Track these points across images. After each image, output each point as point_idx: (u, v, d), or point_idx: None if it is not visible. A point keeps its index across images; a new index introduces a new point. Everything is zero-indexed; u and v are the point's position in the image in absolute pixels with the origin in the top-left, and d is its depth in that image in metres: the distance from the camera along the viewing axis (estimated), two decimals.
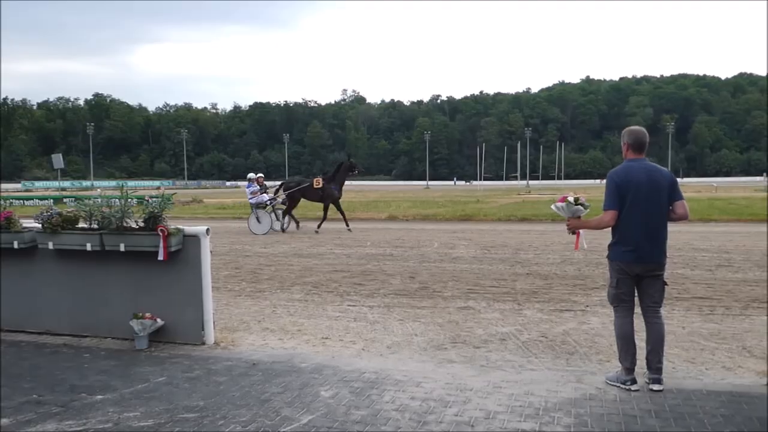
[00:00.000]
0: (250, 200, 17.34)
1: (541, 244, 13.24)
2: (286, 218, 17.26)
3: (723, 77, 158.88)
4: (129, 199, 5.57)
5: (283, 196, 17.39)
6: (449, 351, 5.27)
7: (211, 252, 5.46)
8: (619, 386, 4.17)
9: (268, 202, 17.22)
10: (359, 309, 7.03)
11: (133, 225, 5.46)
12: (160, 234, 5.16)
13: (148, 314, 5.31)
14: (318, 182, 17.01)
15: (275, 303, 7.43)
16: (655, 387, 4.13)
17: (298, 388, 4.25)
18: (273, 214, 16.84)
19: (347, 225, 16.98)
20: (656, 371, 4.17)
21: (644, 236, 4.13)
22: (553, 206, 4.54)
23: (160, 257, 5.18)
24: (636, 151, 4.26)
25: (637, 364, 4.22)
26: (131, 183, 78.88)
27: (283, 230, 16.87)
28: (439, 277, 9.20)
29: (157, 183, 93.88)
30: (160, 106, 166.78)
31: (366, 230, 17.20)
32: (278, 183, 19.16)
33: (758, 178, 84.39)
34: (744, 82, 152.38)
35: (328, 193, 17.06)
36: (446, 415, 3.73)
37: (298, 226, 17.43)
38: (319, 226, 16.99)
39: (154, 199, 5.70)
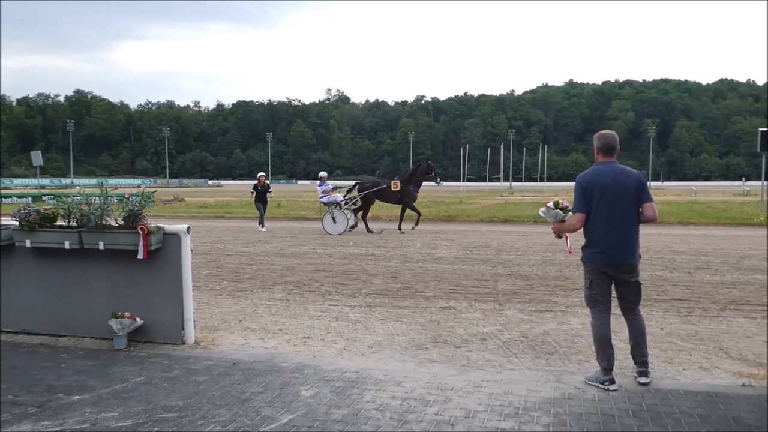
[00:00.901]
0: (322, 199, 16.96)
1: (522, 245, 13.33)
2: (358, 218, 17.01)
3: (704, 83, 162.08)
4: (109, 197, 5.50)
5: (357, 197, 17.23)
6: (430, 351, 5.28)
7: (191, 251, 5.42)
8: (597, 386, 4.21)
9: (342, 203, 16.91)
10: (341, 308, 7.02)
11: (113, 223, 5.40)
12: (140, 232, 5.11)
13: (127, 313, 5.25)
14: (396, 185, 16.98)
15: (256, 302, 7.39)
16: (642, 380, 4.21)
17: (279, 388, 4.23)
18: (344, 215, 16.51)
19: (417, 223, 17.06)
20: (642, 364, 4.25)
21: (612, 238, 4.20)
22: (539, 211, 4.64)
23: (140, 256, 5.13)
24: (605, 154, 4.32)
25: (615, 365, 4.27)
26: (112, 181, 78.08)
27: (369, 231, 16.55)
28: (421, 277, 9.22)
29: (138, 181, 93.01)
30: (142, 104, 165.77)
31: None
32: (352, 183, 18.95)
33: (737, 183, 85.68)
34: (724, 88, 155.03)
35: (408, 196, 17.08)
36: (426, 414, 3.74)
37: (353, 227, 17.01)
38: (399, 227, 16.90)
39: (134, 197, 5.63)
